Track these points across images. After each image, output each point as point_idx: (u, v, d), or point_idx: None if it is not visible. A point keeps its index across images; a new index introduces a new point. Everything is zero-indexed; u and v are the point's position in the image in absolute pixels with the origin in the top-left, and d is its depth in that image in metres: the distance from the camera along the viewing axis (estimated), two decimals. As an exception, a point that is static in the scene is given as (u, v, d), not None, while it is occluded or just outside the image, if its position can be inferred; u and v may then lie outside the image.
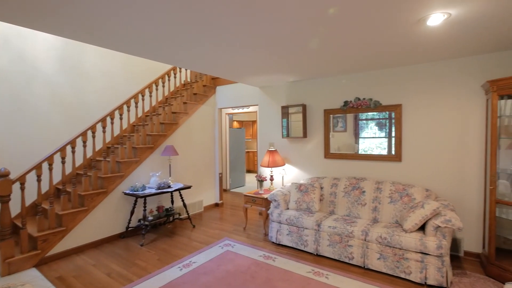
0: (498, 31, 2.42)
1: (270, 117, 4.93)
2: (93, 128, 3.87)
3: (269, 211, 3.78)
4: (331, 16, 2.07)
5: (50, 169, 3.43)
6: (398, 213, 3.20)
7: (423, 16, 2.08)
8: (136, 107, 4.51)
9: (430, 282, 2.58)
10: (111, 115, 4.10)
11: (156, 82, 4.79)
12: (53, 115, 4.18)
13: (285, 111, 4.56)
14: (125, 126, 5.03)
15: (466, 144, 3.21)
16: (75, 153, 4.24)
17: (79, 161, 4.39)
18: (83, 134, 3.73)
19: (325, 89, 4.25)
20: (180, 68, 5.42)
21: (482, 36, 2.53)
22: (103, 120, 3.98)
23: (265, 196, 4.08)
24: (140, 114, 5.20)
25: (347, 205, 3.57)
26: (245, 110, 7.02)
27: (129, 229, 4.14)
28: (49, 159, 3.41)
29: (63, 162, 3.52)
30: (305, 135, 4.39)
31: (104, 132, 4.01)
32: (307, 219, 3.37)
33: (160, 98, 5.55)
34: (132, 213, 4.03)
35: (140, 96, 5.26)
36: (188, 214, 4.51)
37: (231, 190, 7.38)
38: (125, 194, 3.94)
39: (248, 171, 10.22)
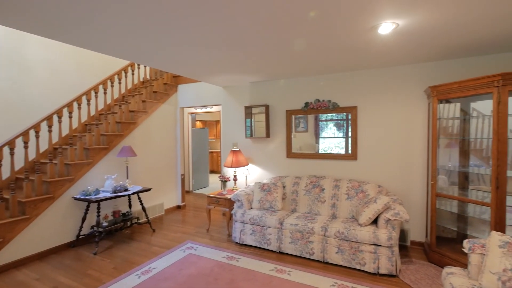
0: (440, 42, 2.70)
1: (233, 117, 4.91)
2: (36, 127, 3.49)
3: (232, 212, 3.76)
4: (291, 22, 2.12)
5: (-17, 174, 3.02)
6: (354, 209, 3.40)
7: (375, 24, 2.24)
8: (89, 104, 4.17)
9: (382, 271, 2.78)
10: (59, 112, 3.73)
11: (111, 78, 4.48)
12: (-14, 112, 3.68)
13: (248, 111, 4.58)
14: (75, 125, 4.62)
15: (412, 143, 3.53)
16: (14, 155, 3.78)
17: (19, 164, 3.93)
18: (25, 134, 3.34)
19: (287, 90, 4.36)
20: (138, 65, 5.14)
21: (425, 45, 2.80)
22: (49, 118, 3.61)
23: (229, 196, 4.05)
24: (93, 112, 4.82)
25: (308, 202, 3.70)
26: (208, 109, 6.91)
27: (81, 237, 3.81)
28: (-19, 162, 2.99)
29: (-1, 166, 3.12)
30: (268, 135, 4.45)
31: (50, 131, 3.64)
32: (270, 217, 3.42)
33: (116, 95, 5.20)
34: (83, 219, 3.71)
35: (93, 93, 4.87)
36: (147, 218, 4.29)
37: (194, 192, 7.20)
38: (76, 199, 3.62)
39: (212, 172, 10.08)
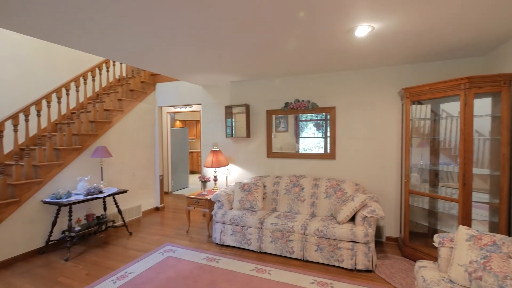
0: (412, 46, 2.82)
1: (214, 116, 4.85)
2: (0, 127, 3.26)
3: (213, 212, 3.72)
4: (270, 24, 2.13)
5: None
6: (332, 207, 3.47)
7: (352, 27, 2.29)
8: (59, 102, 3.95)
9: (359, 267, 2.86)
10: (26, 111, 3.51)
11: (84, 75, 4.27)
12: None
13: (229, 111, 4.54)
14: (44, 124, 4.36)
15: (387, 143, 3.66)
16: (-25, 157, 3.50)
17: (-19, 166, 3.64)
18: (-14, 134, 3.11)
19: (268, 90, 4.37)
20: (114, 62, 4.94)
21: (399, 49, 2.91)
22: (14, 117, 3.38)
23: (209, 197, 4.00)
24: (64, 111, 4.58)
25: (288, 201, 3.73)
26: (188, 109, 6.79)
27: (51, 243, 3.60)
28: None
29: (-44, 168, 2.87)
30: (248, 135, 4.44)
31: (16, 131, 3.41)
32: (251, 217, 3.42)
33: (90, 93, 4.97)
34: (54, 224, 3.51)
35: (64, 90, 4.62)
36: (123, 221, 4.14)
37: (174, 193, 7.05)
38: (45, 203, 3.42)
39: (192, 172, 9.92)
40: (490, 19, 2.20)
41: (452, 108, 3.09)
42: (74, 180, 3.91)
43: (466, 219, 2.62)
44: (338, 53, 3.02)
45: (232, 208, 3.72)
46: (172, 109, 6.88)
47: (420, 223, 3.35)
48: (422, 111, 3.34)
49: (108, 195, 3.80)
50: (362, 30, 2.33)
